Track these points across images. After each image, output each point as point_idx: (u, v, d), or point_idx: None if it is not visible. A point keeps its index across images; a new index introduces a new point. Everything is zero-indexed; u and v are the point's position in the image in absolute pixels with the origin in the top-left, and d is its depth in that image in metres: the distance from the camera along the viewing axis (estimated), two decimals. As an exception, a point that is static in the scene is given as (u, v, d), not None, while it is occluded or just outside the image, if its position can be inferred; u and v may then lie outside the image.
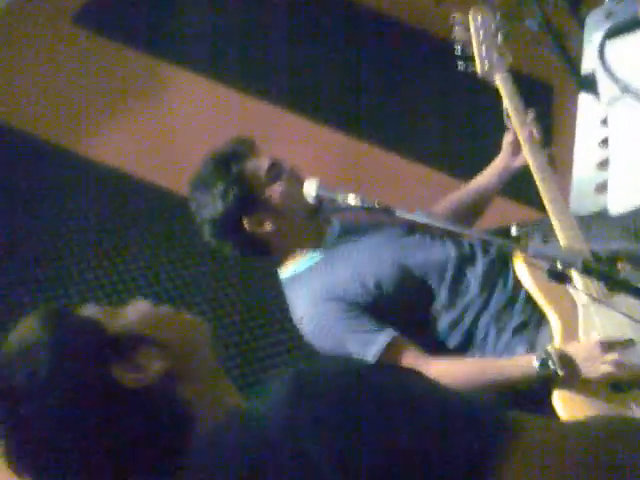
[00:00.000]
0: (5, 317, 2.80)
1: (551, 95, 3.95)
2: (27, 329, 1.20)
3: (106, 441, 1.14)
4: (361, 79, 3.94)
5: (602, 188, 2.44)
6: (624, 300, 1.82)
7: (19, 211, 3.18)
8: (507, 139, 2.37)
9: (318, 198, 1.98)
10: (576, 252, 1.71)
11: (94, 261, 3.11)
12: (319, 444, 1.04)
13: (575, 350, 1.95)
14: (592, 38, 2.60)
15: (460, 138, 3.86)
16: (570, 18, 2.90)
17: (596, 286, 1.97)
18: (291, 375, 1.12)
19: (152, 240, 3.24)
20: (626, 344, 1.94)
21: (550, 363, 1.93)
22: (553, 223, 2.12)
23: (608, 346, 1.93)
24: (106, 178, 3.36)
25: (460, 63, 2.42)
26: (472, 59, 2.41)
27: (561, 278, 1.61)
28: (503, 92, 2.35)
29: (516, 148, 2.34)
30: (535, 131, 2.27)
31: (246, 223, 2.18)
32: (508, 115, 2.32)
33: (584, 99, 2.63)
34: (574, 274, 1.81)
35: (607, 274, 1.58)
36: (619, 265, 1.64)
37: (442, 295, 2.14)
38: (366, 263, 2.16)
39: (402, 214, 1.87)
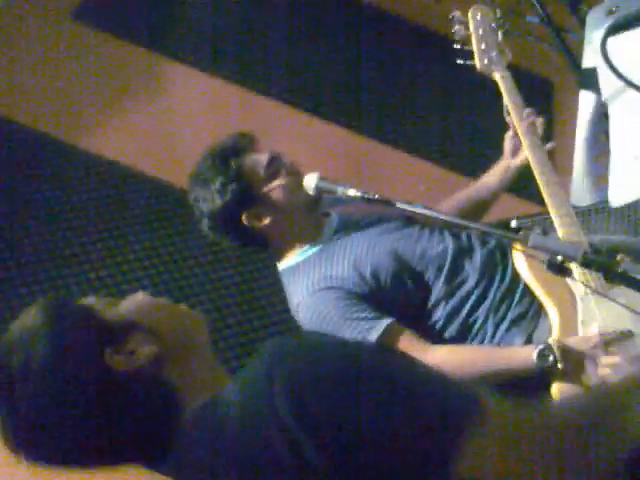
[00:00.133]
0: (5, 317, 2.81)
1: (551, 91, 3.95)
2: (28, 316, 1.27)
3: (97, 420, 1.21)
4: (362, 75, 3.95)
5: (602, 181, 2.44)
6: (623, 292, 1.82)
7: (19, 205, 3.18)
8: (507, 135, 2.37)
9: (318, 190, 1.98)
10: (576, 244, 1.71)
11: (94, 254, 3.12)
12: (293, 414, 1.07)
13: (575, 342, 1.96)
14: (593, 34, 2.60)
15: (460, 134, 3.88)
16: (571, 15, 2.90)
17: (595, 278, 1.98)
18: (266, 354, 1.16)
19: (152, 233, 3.25)
20: (625, 336, 1.94)
21: (550, 355, 1.94)
22: (553, 216, 2.12)
23: (608, 338, 1.93)
24: (106, 172, 3.37)
25: (459, 60, 2.43)
26: (472, 56, 2.42)
27: (560, 270, 1.61)
28: (503, 88, 2.35)
29: (517, 145, 2.35)
30: (538, 122, 2.27)
31: (244, 218, 2.19)
32: (508, 111, 2.32)
33: (584, 94, 2.63)
34: (573, 266, 1.81)
35: (606, 266, 1.58)
36: (618, 257, 1.63)
37: (440, 286, 2.15)
38: (364, 254, 2.16)
39: (402, 205, 1.87)
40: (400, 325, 2.08)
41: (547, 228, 2.02)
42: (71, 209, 3.23)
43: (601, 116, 2.58)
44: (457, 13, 2.46)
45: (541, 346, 1.96)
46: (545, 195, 2.17)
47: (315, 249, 2.22)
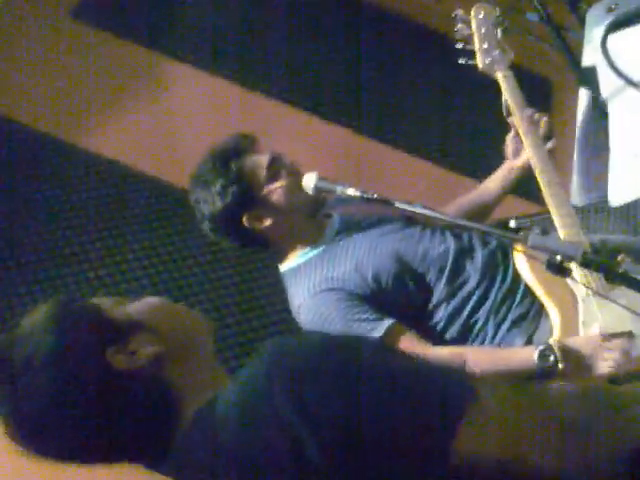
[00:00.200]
0: (5, 317, 2.81)
1: (551, 90, 3.95)
2: (38, 313, 1.29)
3: (96, 417, 1.22)
4: (362, 75, 3.95)
5: (602, 180, 2.44)
6: (624, 293, 1.81)
7: (19, 204, 3.18)
8: (509, 137, 2.37)
9: (317, 190, 1.98)
10: (576, 244, 1.70)
11: (93, 253, 3.12)
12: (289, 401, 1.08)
13: (576, 343, 1.96)
14: (592, 32, 2.59)
15: (460, 134, 3.87)
16: (570, 13, 2.89)
17: (596, 279, 1.97)
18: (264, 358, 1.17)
19: (152, 233, 3.25)
20: (626, 337, 1.94)
21: (551, 355, 1.93)
22: (553, 216, 2.12)
23: (609, 339, 1.93)
24: (106, 171, 3.37)
25: (461, 59, 2.42)
26: (474, 56, 2.41)
27: (560, 270, 1.60)
28: (504, 87, 2.35)
29: (518, 145, 2.34)
30: (542, 121, 2.27)
31: (245, 219, 2.19)
32: (509, 112, 2.32)
33: (584, 93, 2.62)
34: (574, 267, 1.81)
35: (607, 267, 1.57)
36: (619, 257, 1.63)
37: (441, 287, 2.14)
38: (365, 256, 2.16)
39: (401, 205, 1.87)
40: (401, 326, 2.08)
41: (547, 228, 2.02)
42: (71, 208, 3.23)
43: (601, 114, 2.57)
44: (460, 12, 2.45)
45: (542, 347, 1.95)
46: (546, 195, 2.17)
47: (317, 250, 2.22)
